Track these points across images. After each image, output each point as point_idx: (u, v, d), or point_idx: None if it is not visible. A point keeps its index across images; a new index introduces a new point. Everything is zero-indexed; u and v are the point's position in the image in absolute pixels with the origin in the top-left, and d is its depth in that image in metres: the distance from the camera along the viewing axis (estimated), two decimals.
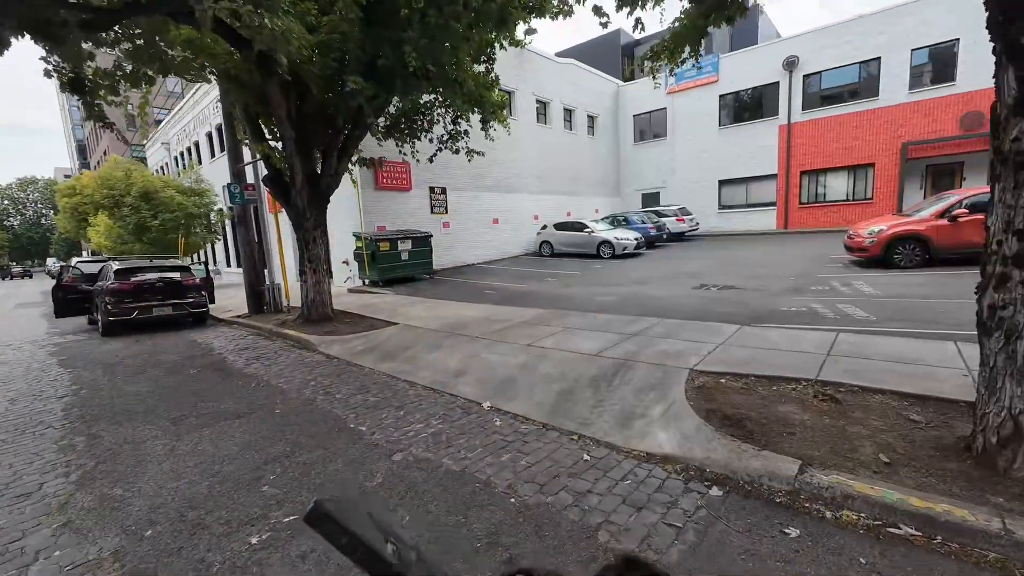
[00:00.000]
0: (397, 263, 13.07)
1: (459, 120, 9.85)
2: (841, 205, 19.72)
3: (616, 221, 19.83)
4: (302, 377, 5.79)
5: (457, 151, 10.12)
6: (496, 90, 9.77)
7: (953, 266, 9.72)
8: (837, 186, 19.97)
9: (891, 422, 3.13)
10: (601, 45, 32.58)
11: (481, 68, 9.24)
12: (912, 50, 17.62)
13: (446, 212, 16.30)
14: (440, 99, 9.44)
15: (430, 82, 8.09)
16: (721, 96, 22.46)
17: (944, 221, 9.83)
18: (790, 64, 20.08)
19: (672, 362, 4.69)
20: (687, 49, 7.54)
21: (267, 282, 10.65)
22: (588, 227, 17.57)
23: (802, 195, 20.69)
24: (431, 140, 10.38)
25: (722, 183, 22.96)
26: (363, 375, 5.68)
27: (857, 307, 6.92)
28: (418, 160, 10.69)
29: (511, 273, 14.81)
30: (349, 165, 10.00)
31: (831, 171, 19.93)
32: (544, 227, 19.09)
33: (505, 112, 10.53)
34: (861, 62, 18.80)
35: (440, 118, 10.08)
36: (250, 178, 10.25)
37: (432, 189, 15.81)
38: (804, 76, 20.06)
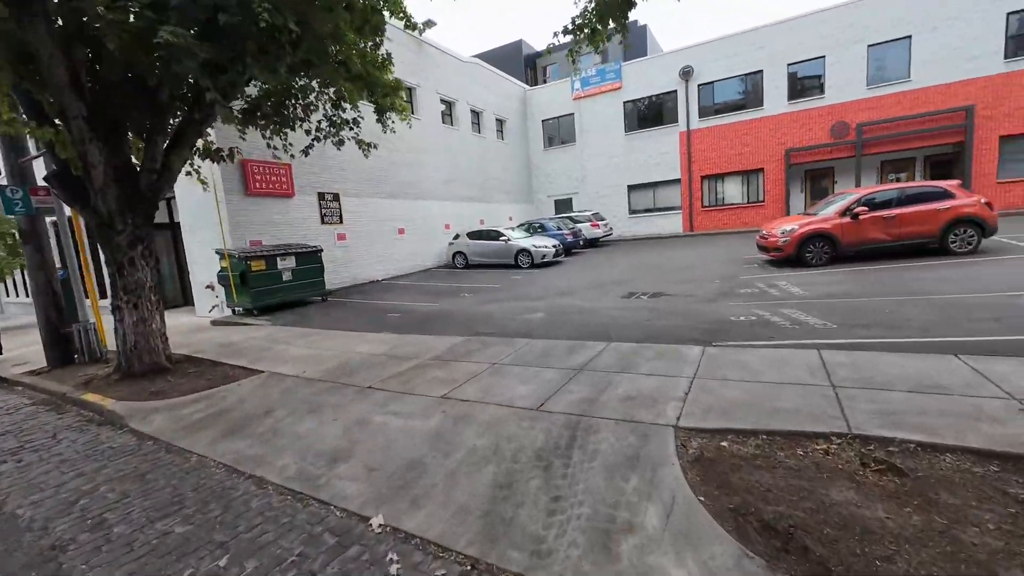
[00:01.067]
0: (277, 285, 10.59)
1: (342, 104, 7.92)
2: (738, 208, 20.82)
3: (532, 228, 18.90)
4: (74, 486, 3.55)
5: (341, 142, 8.16)
6: (391, 73, 8.04)
7: (856, 262, 10.00)
8: (733, 190, 21.08)
9: (1003, 510, 2.05)
10: (505, 55, 32.06)
11: (370, 43, 7.48)
12: (788, 64, 19.12)
13: (340, 222, 13.98)
14: (319, 81, 7.45)
15: (297, 51, 6.14)
16: (625, 103, 22.78)
17: (847, 219, 10.06)
18: (686, 74, 20.87)
19: (646, 415, 3.38)
20: (609, 27, 6.62)
21: (81, 320, 7.70)
22: (504, 235, 16.32)
23: (704, 199, 21.56)
24: (308, 132, 8.30)
25: (631, 188, 23.26)
26: (185, 471, 3.62)
27: (803, 312, 6.34)
28: (292, 156, 8.49)
29: (422, 290, 12.97)
30: (194, 159, 7.56)
31: (727, 176, 21.00)
32: (457, 236, 17.49)
33: (405, 101, 8.82)
34: (746, 74, 20.05)
35: (319, 103, 8.06)
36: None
37: (322, 195, 13.43)
38: (699, 86, 20.96)
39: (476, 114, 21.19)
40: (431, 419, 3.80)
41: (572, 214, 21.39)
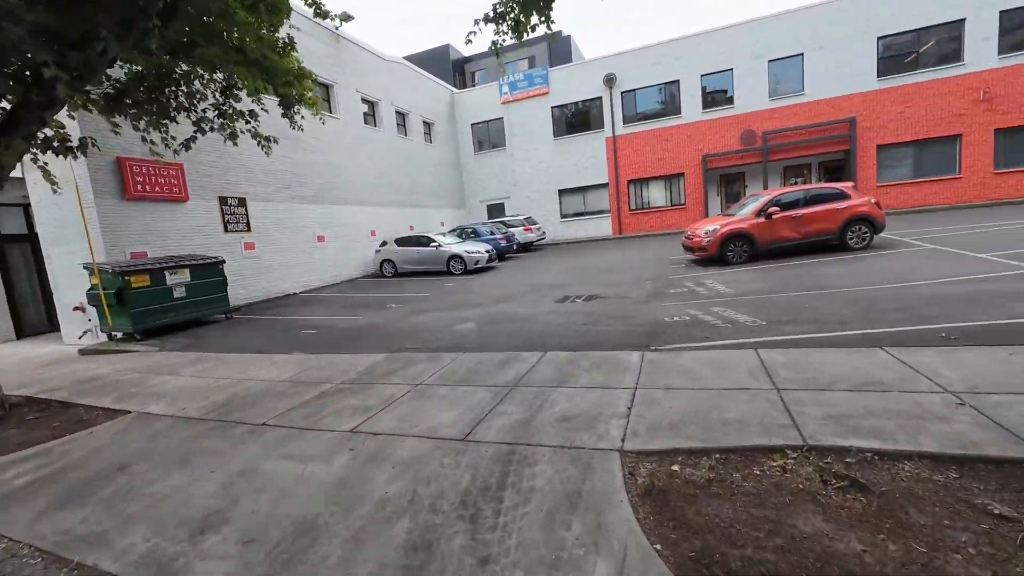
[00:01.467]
0: (166, 304, 9.09)
1: (234, 93, 6.90)
2: (663, 211, 21.73)
3: (464, 233, 18.35)
4: None
5: (233, 135, 7.11)
6: (296, 62, 7.13)
7: (771, 260, 10.57)
8: (658, 194, 21.99)
9: (977, 527, 1.84)
10: (432, 59, 31.30)
11: (268, 25, 6.54)
12: (701, 75, 20.31)
13: (248, 229, 12.51)
14: (206, 65, 6.37)
15: (170, 26, 5.14)
16: (553, 108, 23.00)
17: (762, 219, 10.60)
18: (609, 81, 21.48)
19: (587, 438, 2.96)
20: (534, 17, 6.31)
21: None
22: (435, 241, 15.61)
23: (631, 202, 22.27)
24: (200, 127, 7.11)
25: (562, 192, 23.49)
26: None
27: (732, 310, 6.38)
28: (176, 152, 7.22)
29: (343, 302, 11.91)
30: (38, 155, 6.15)
31: (652, 180, 21.86)
32: (384, 243, 16.49)
33: (315, 94, 7.90)
34: (665, 83, 21.04)
35: (206, 90, 6.95)
36: None
37: (225, 200, 11.92)
38: (622, 93, 21.66)
39: (401, 116, 20.28)
40: (335, 461, 3.11)
41: (505, 218, 21.14)
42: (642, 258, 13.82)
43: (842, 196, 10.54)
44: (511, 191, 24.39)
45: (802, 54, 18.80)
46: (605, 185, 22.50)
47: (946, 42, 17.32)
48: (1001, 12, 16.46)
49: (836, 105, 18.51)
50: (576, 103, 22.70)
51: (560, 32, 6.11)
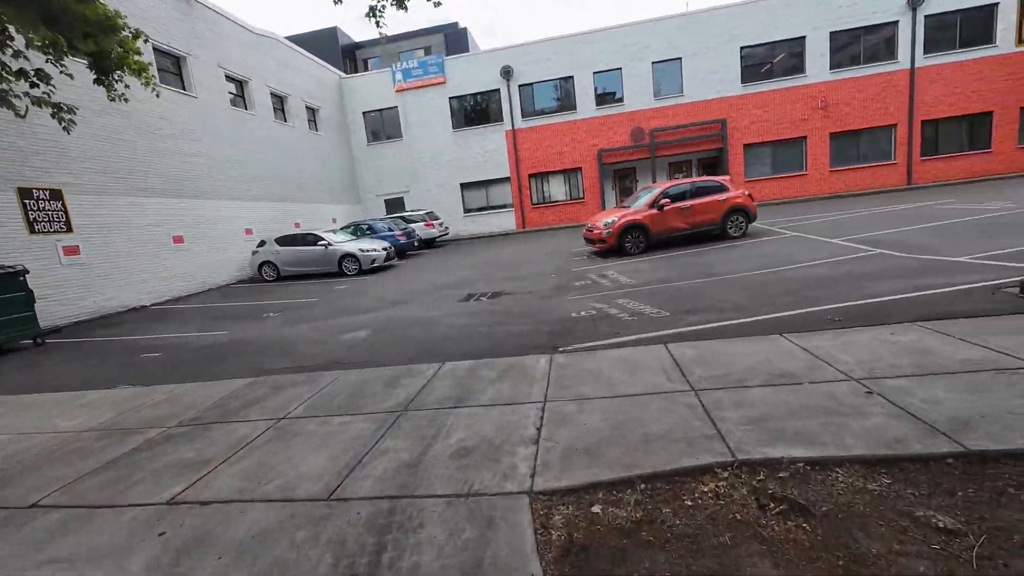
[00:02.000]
0: None
1: (7, 45, 5.13)
2: (563, 204, 22.14)
3: (360, 230, 16.84)
4: None
5: (3, 101, 5.32)
6: (106, 12, 5.49)
7: (664, 249, 11.05)
8: (558, 188, 22.34)
9: (928, 548, 1.60)
10: (318, 41, 28.48)
11: None
12: (594, 73, 20.96)
13: (68, 229, 9.93)
14: None
15: None
16: (451, 99, 22.16)
17: (655, 210, 11.01)
18: (507, 73, 21.23)
19: (489, 479, 2.37)
20: None
21: None
22: (324, 239, 14.00)
23: (532, 196, 22.36)
24: None
25: (464, 186, 22.82)
26: None
27: (636, 301, 6.30)
28: None
29: (207, 313, 10.03)
30: None
31: (551, 174, 22.14)
32: (262, 243, 14.41)
33: (139, 57, 6.25)
34: (561, 79, 21.36)
35: None
36: None
37: (27, 192, 9.29)
38: (520, 86, 21.56)
39: (279, 99, 17.98)
40: (132, 560, 2.14)
41: (405, 214, 19.90)
42: (546, 251, 13.74)
43: (722, 188, 11.34)
44: (410, 184, 23.11)
45: (680, 58, 20.26)
46: (507, 179, 22.30)
47: (792, 56, 19.83)
48: (831, 32, 19.24)
49: (710, 107, 20.28)
50: (474, 95, 22.13)
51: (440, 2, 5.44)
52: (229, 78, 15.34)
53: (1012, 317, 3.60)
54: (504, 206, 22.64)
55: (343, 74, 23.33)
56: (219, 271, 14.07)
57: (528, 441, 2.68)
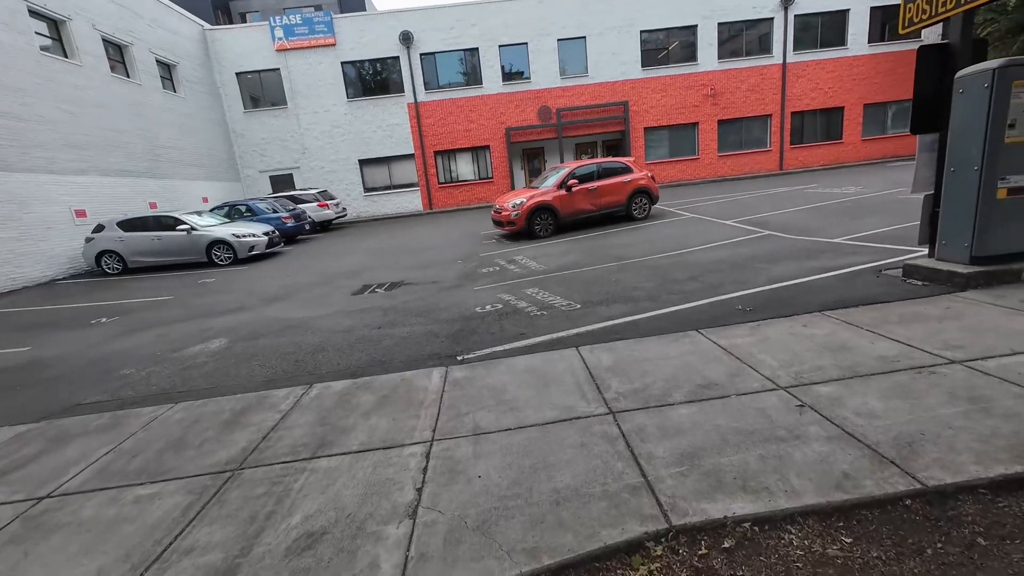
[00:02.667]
0: None
1: None
2: (471, 184, 21.25)
3: (235, 212, 14.49)
4: None
5: None
6: None
7: (573, 231, 10.83)
8: (465, 166, 21.35)
9: None
10: None
11: None
12: (500, 46, 20.05)
13: None
14: None
15: None
16: (344, 64, 19.86)
17: (563, 191, 10.68)
18: (406, 39, 19.49)
19: None
20: None
21: None
22: (186, 222, 11.68)
23: (439, 175, 21.14)
24: None
25: (363, 163, 20.82)
26: None
27: (546, 291, 5.80)
28: None
29: (8, 321, 7.72)
30: None
31: (459, 152, 21.06)
32: (99, 228, 11.65)
33: None
34: (465, 50, 20.15)
35: None
36: None
37: None
38: (421, 55, 19.95)
39: (116, 48, 14.55)
40: None
41: (295, 192, 17.59)
42: (453, 234, 12.88)
43: (627, 170, 11.33)
44: (300, 160, 20.54)
45: (585, 37, 20.13)
46: (411, 156, 20.77)
47: (686, 46, 20.73)
48: (719, 24, 20.38)
49: (613, 89, 20.55)
50: (371, 61, 20.06)
51: None
52: (36, 14, 11.92)
53: (904, 303, 3.63)
54: (409, 185, 21.13)
55: (207, 24, 19.71)
56: (37, 263, 11.14)
57: (402, 513, 1.95)
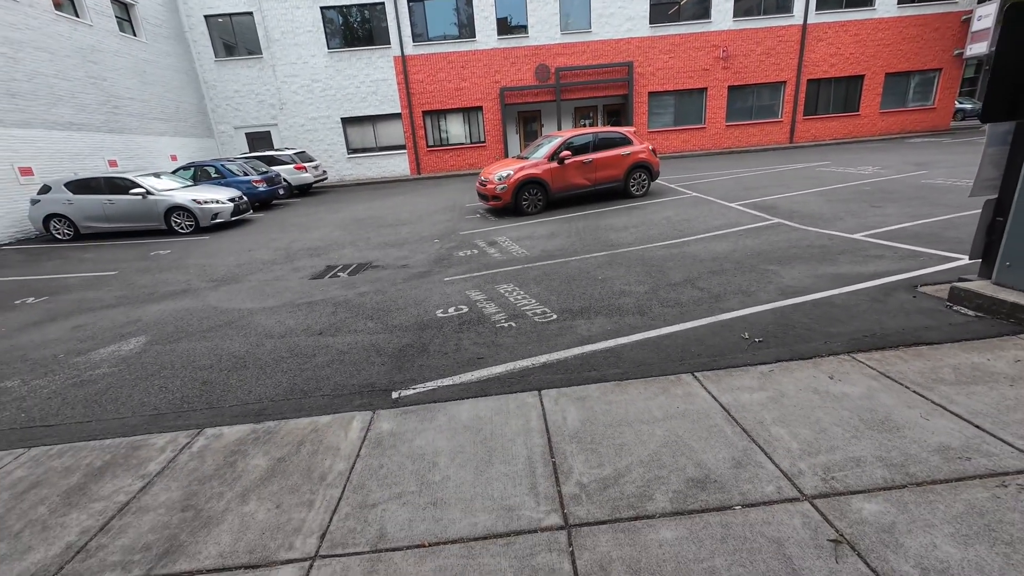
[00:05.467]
0: None
1: None
2: (463, 148, 19.92)
3: (201, 172, 13.36)
4: None
5: None
6: None
7: (564, 208, 9.91)
8: (456, 129, 19.95)
9: None
10: None
11: None
12: None
13: None
14: None
15: None
16: (324, 9, 18.07)
17: (555, 164, 9.69)
18: None
19: None
20: None
21: None
22: (141, 186, 10.63)
23: (428, 138, 19.78)
24: None
25: (346, 122, 19.38)
26: None
27: (521, 290, 5.01)
28: None
29: None
30: None
31: (449, 113, 19.61)
32: (46, 190, 10.60)
33: None
34: None
35: None
36: None
37: None
38: (410, 2, 18.16)
39: None
40: None
41: (271, 152, 16.34)
42: (436, 205, 11.92)
43: (626, 141, 10.28)
44: (278, 116, 19.09)
45: None
46: (398, 116, 19.33)
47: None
48: None
49: (618, 48, 18.93)
50: (355, 7, 18.26)
51: None
52: None
53: (958, 348, 2.87)
54: (396, 148, 19.79)
55: None
56: None
57: None
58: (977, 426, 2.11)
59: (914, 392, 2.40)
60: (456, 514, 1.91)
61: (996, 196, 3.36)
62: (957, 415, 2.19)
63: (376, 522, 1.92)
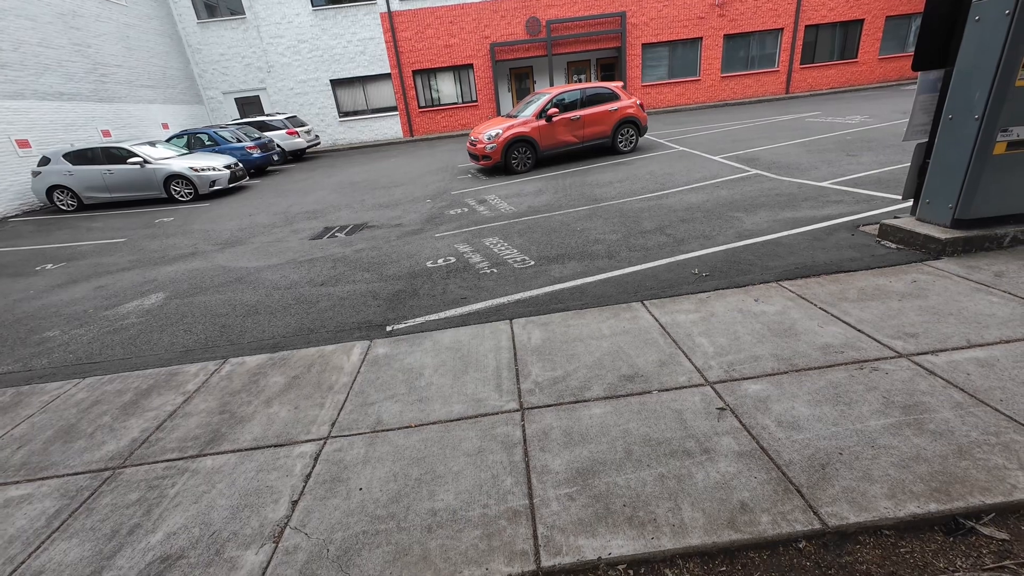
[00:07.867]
0: None
1: None
2: (455, 108, 19.75)
3: (195, 140, 13.49)
4: None
5: None
6: None
7: (552, 166, 10.16)
8: (447, 88, 19.70)
9: None
10: None
11: None
12: None
13: None
14: None
15: None
16: None
17: (543, 121, 9.85)
18: None
19: None
20: None
21: None
22: (138, 155, 10.86)
23: (420, 98, 19.57)
24: None
25: (335, 84, 19.15)
26: None
27: (505, 241, 5.44)
28: None
29: None
30: None
31: (440, 71, 19.31)
32: (46, 161, 10.84)
33: None
34: None
35: None
36: None
37: None
38: None
39: None
40: None
41: (264, 118, 16.32)
42: (429, 167, 12.13)
43: (614, 96, 10.38)
44: (266, 80, 18.85)
45: None
46: (388, 76, 19.06)
47: None
48: None
49: None
50: None
51: None
52: None
53: (869, 273, 3.32)
54: (387, 110, 19.64)
55: None
56: None
57: (268, 535, 1.80)
58: (859, 330, 2.59)
59: (819, 308, 2.87)
60: (437, 406, 2.43)
61: (926, 140, 3.71)
62: (847, 323, 2.67)
63: (374, 414, 2.44)
